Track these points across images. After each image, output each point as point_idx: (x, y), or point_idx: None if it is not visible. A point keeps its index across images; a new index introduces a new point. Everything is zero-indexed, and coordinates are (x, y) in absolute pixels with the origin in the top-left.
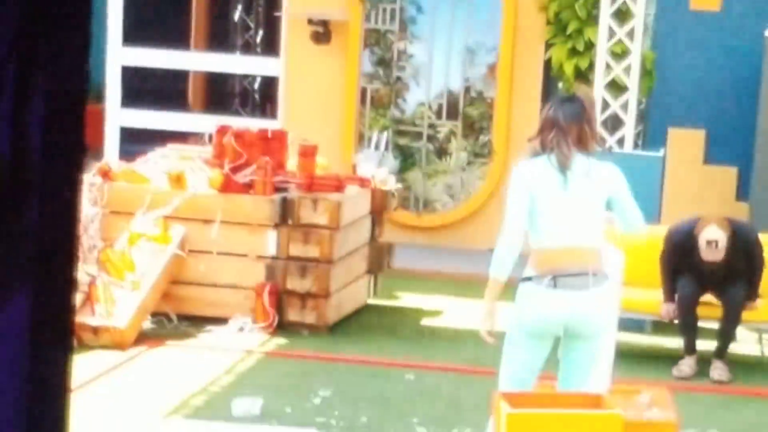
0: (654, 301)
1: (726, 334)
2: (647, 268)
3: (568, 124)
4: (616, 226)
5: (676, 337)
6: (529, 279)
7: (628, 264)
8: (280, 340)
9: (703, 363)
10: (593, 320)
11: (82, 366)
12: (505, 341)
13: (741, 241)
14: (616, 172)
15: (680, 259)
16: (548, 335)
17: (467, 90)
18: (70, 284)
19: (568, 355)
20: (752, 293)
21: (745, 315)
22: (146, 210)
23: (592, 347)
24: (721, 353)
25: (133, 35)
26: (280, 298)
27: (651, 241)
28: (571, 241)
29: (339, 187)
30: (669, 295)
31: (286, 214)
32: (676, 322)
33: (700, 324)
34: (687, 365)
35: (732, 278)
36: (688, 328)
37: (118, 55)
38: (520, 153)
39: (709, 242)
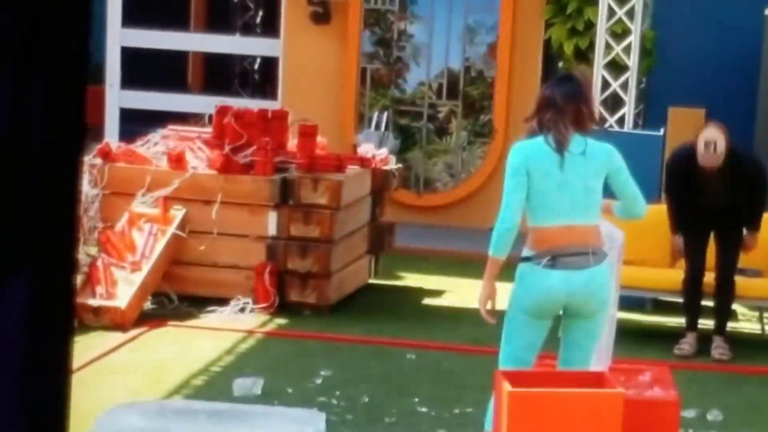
0: (655, 278)
1: (722, 308)
2: (648, 246)
3: (565, 104)
4: (614, 213)
5: (677, 316)
6: (528, 259)
7: (628, 242)
8: (281, 320)
9: (704, 341)
10: (593, 298)
11: (83, 347)
12: (504, 321)
13: (740, 160)
14: (613, 152)
15: (682, 183)
16: (548, 315)
17: (467, 70)
18: (71, 265)
19: (569, 334)
20: (754, 223)
21: (745, 291)
22: (146, 191)
23: (593, 325)
24: (720, 330)
25: (133, 16)
26: (281, 278)
27: (652, 219)
28: (568, 219)
29: (339, 167)
30: (676, 228)
31: (286, 195)
32: (683, 296)
33: (711, 303)
34: (687, 343)
35: (733, 216)
36: (693, 304)
37: (117, 36)
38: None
39: (707, 143)
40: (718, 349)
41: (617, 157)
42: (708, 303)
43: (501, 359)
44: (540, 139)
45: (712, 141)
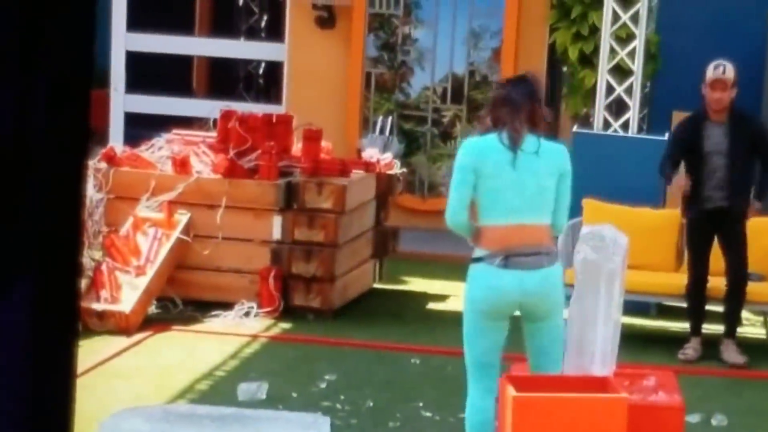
0: (659, 283)
1: (735, 310)
2: (652, 251)
3: (520, 103)
4: None
5: (682, 321)
6: (480, 259)
7: (632, 247)
8: (285, 325)
9: (708, 346)
10: (547, 299)
11: (87, 351)
12: (463, 324)
13: (746, 119)
14: (567, 154)
15: (684, 149)
16: (503, 316)
17: (472, 74)
18: (75, 269)
19: (532, 341)
20: (763, 188)
21: (750, 296)
22: (151, 195)
23: (552, 327)
24: (732, 333)
25: (138, 21)
26: (285, 282)
27: (656, 224)
28: (521, 218)
29: (344, 172)
30: (671, 167)
31: (291, 199)
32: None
33: (715, 307)
34: (692, 348)
35: (735, 213)
36: (697, 309)
37: (122, 40)
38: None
39: (716, 65)
40: (732, 353)
41: (569, 161)
42: (712, 308)
43: (467, 364)
44: (493, 136)
45: (721, 63)
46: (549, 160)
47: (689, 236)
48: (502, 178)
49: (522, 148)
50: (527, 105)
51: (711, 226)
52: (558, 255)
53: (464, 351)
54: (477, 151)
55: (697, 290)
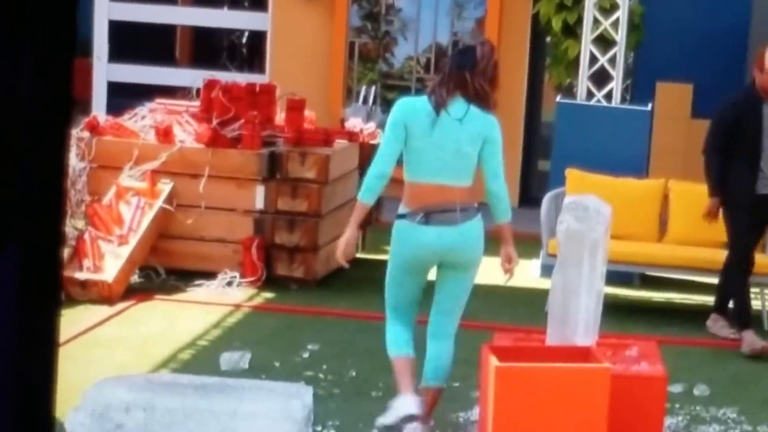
0: (642, 253)
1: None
2: (635, 221)
3: (454, 71)
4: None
5: (665, 291)
6: (403, 216)
7: (615, 217)
8: (268, 294)
9: (694, 317)
10: (466, 253)
11: (70, 320)
12: (386, 276)
13: None
14: (494, 124)
15: (733, 129)
16: (423, 269)
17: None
18: (58, 239)
19: (443, 284)
20: None
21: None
22: (134, 164)
23: (465, 277)
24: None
25: None
26: (268, 252)
27: (639, 193)
28: (440, 179)
29: (327, 141)
30: (715, 189)
31: (274, 169)
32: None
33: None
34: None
35: None
36: (745, 294)
37: (105, 9)
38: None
39: None
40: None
41: (495, 131)
42: (699, 279)
43: (386, 308)
44: (425, 98)
45: None
46: (472, 127)
47: (737, 218)
48: (424, 139)
49: (448, 112)
50: (461, 74)
51: (765, 210)
52: (477, 211)
53: (386, 297)
54: (408, 110)
55: (744, 277)
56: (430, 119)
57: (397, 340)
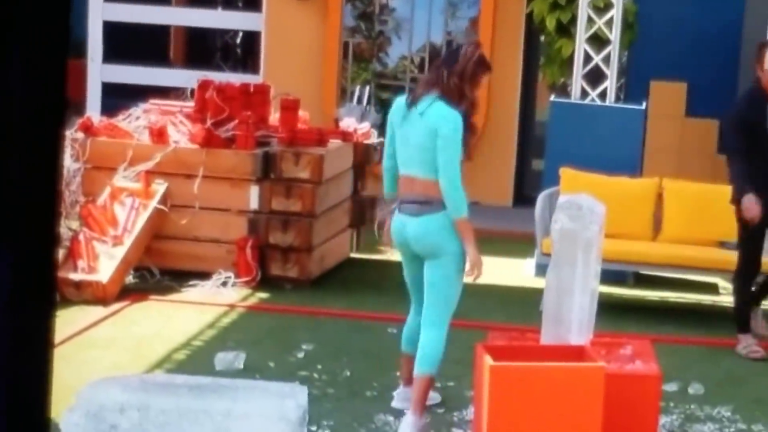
0: (636, 252)
1: None
2: (629, 220)
3: (433, 68)
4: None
5: (659, 290)
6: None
7: (609, 215)
8: (263, 294)
9: (687, 315)
10: (425, 243)
11: (65, 321)
12: None
13: None
14: (447, 119)
15: (753, 130)
16: (408, 255)
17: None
18: (53, 239)
19: (424, 274)
20: None
21: (729, 265)
22: (128, 165)
23: (438, 266)
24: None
25: None
26: (263, 252)
27: (633, 193)
28: (409, 171)
29: (321, 141)
30: (745, 187)
31: (268, 169)
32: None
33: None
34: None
35: None
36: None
37: (99, 10)
38: (502, 105)
39: None
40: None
41: (448, 126)
42: (688, 277)
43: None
44: (407, 95)
45: None
46: (429, 120)
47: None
48: (398, 133)
49: (417, 107)
50: (437, 71)
51: None
52: (440, 205)
53: None
54: (394, 107)
55: (751, 280)
56: (402, 114)
57: (404, 336)
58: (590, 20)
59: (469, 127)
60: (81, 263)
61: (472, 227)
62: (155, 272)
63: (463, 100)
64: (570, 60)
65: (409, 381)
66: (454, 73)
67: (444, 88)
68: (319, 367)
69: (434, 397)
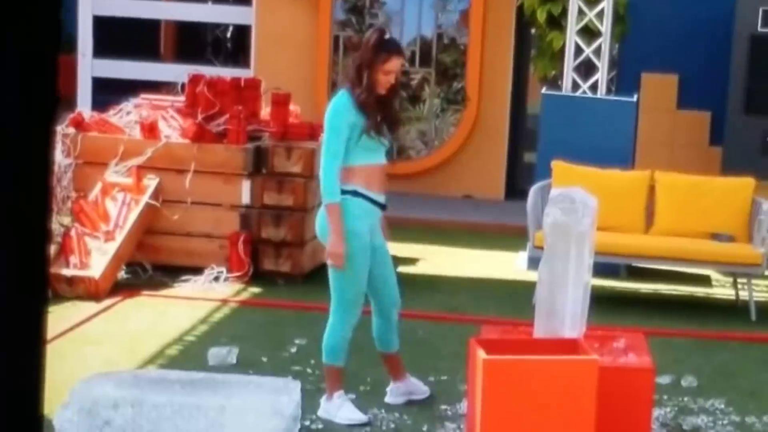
0: (629, 244)
1: None
2: (622, 212)
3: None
4: None
5: (651, 282)
6: None
7: (602, 208)
8: (255, 289)
9: (681, 307)
10: (318, 234)
11: (57, 317)
12: None
13: None
14: (329, 109)
15: None
16: None
17: (440, 37)
18: (44, 235)
19: None
20: None
21: (719, 257)
22: (119, 160)
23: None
24: None
25: None
26: (255, 247)
27: (625, 185)
28: None
29: (313, 136)
30: None
31: (259, 163)
32: None
33: (685, 269)
34: None
35: None
36: None
37: (89, 4)
38: (493, 99)
39: None
40: None
41: (327, 114)
42: (682, 269)
43: None
44: None
45: None
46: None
47: None
48: None
49: None
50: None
51: None
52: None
53: None
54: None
55: None
56: None
57: (373, 335)
58: (581, 12)
59: (363, 110)
60: (73, 259)
61: (338, 214)
62: (147, 268)
63: (352, 85)
64: (561, 52)
65: (396, 377)
66: (354, 61)
67: (349, 77)
68: (312, 361)
69: (423, 390)
